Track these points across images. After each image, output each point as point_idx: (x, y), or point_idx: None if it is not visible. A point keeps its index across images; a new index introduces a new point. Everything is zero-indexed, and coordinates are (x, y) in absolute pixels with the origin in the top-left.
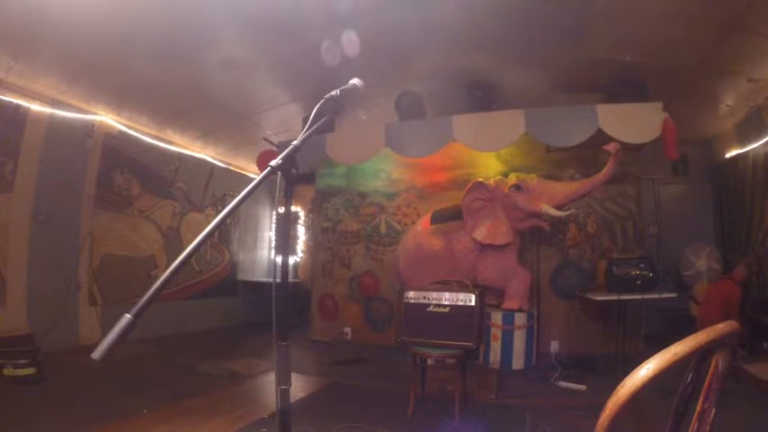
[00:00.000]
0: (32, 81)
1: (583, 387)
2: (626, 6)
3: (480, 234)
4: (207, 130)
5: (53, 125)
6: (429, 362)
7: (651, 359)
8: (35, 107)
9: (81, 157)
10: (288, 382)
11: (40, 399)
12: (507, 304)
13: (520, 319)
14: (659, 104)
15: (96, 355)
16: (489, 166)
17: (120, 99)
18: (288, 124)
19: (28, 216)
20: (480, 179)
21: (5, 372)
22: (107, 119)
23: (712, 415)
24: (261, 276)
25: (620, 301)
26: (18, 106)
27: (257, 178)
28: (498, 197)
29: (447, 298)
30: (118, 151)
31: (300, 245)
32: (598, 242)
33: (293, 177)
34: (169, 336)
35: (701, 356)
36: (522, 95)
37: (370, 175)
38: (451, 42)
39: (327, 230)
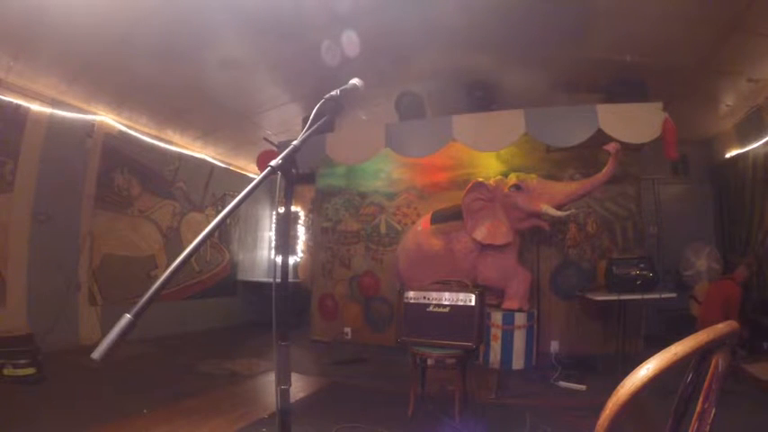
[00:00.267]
0: (32, 81)
1: (583, 387)
2: (626, 6)
3: (480, 234)
4: (207, 130)
5: (53, 125)
6: (429, 362)
7: (651, 359)
8: (35, 107)
9: (81, 157)
10: (288, 382)
11: (40, 399)
12: (507, 304)
13: (520, 319)
14: (659, 104)
15: (96, 355)
16: (489, 166)
17: (120, 99)
18: (288, 124)
19: (28, 216)
20: (480, 179)
21: (5, 372)
22: (107, 119)
23: (712, 415)
24: (261, 276)
25: (620, 301)
26: (18, 106)
27: (257, 178)
28: (498, 197)
29: (447, 298)
30: (118, 151)
31: (300, 245)
32: (598, 242)
33: (293, 177)
34: (169, 336)
35: (700, 356)
36: (522, 95)
37: (370, 175)
38: (451, 42)
39: (327, 230)
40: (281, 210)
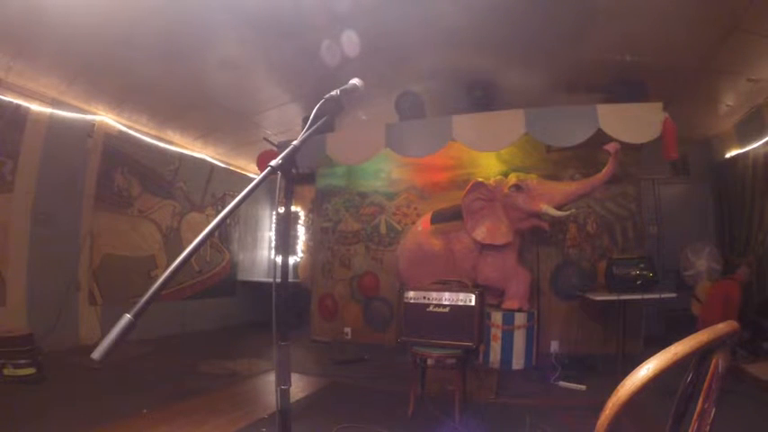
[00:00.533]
0: (32, 81)
1: (583, 387)
2: (626, 6)
3: (480, 234)
4: (207, 130)
5: (53, 125)
6: (429, 362)
7: (651, 359)
8: (35, 107)
9: (81, 157)
10: (288, 382)
11: (40, 399)
12: (507, 304)
13: (520, 319)
14: (659, 104)
15: (96, 355)
16: (489, 166)
17: (120, 99)
18: (288, 124)
19: (28, 216)
20: (480, 179)
21: (5, 372)
22: (107, 119)
23: (712, 415)
24: (261, 276)
25: (620, 301)
26: (18, 106)
27: (257, 178)
28: (498, 197)
29: (447, 298)
30: (118, 151)
31: (300, 245)
32: (598, 242)
33: (293, 177)
34: (169, 336)
35: (700, 356)
36: (522, 95)
37: (370, 175)
38: (451, 42)
39: (327, 230)
40: (281, 210)
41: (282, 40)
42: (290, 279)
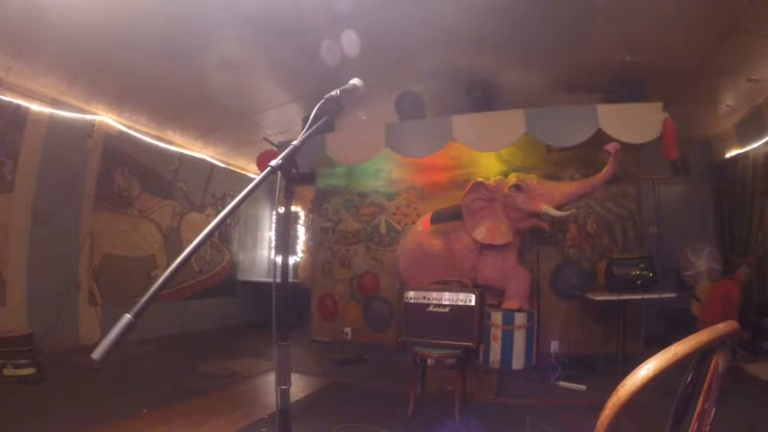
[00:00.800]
0: (32, 81)
1: (583, 387)
2: (626, 6)
3: (480, 234)
4: (207, 130)
5: (53, 125)
6: (429, 362)
7: (651, 359)
8: (35, 107)
9: (81, 157)
10: (288, 382)
11: (40, 399)
12: (507, 304)
13: (520, 319)
14: (659, 104)
15: (96, 355)
16: (489, 166)
17: (120, 99)
18: (288, 124)
19: (28, 216)
20: (480, 179)
21: (5, 372)
22: (107, 119)
23: (712, 415)
24: (261, 276)
25: (620, 301)
26: (18, 106)
27: (257, 178)
28: (498, 197)
29: (447, 298)
30: (118, 151)
31: (300, 245)
32: (598, 242)
33: (293, 177)
34: (169, 336)
35: (700, 356)
36: (522, 95)
37: (370, 175)
38: (451, 42)
39: (327, 230)
40: (281, 210)
41: (282, 40)
42: (290, 279)
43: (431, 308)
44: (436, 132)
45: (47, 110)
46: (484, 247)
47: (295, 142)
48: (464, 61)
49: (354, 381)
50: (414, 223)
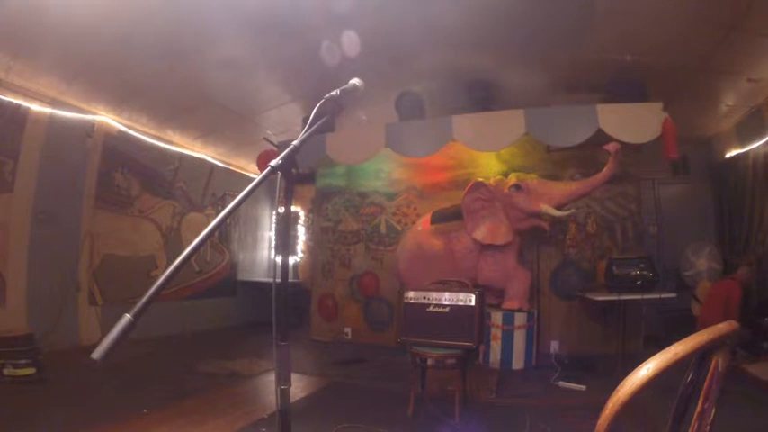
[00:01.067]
0: (32, 81)
1: (583, 387)
2: (626, 6)
3: (480, 234)
4: (207, 130)
5: (53, 125)
6: (429, 362)
7: (651, 359)
8: (35, 107)
9: (81, 157)
10: (288, 382)
11: (40, 399)
12: (507, 304)
13: (520, 319)
14: (659, 104)
15: (96, 355)
16: (489, 166)
17: (120, 99)
18: (288, 124)
19: (28, 216)
20: (480, 179)
21: (5, 372)
22: (107, 119)
23: (712, 415)
24: (261, 276)
25: (620, 301)
26: (18, 106)
27: (257, 178)
28: (498, 197)
29: (447, 298)
30: (118, 151)
31: (300, 245)
32: (598, 242)
33: (293, 177)
34: (169, 336)
35: (700, 356)
36: (522, 95)
37: (370, 175)
38: (451, 42)
39: (327, 230)
40: (281, 210)
41: (282, 40)
42: (290, 279)
43: (431, 308)
44: (436, 132)
45: (47, 110)
46: (484, 248)
47: (295, 142)
48: (464, 61)
49: (354, 381)
50: (414, 223)
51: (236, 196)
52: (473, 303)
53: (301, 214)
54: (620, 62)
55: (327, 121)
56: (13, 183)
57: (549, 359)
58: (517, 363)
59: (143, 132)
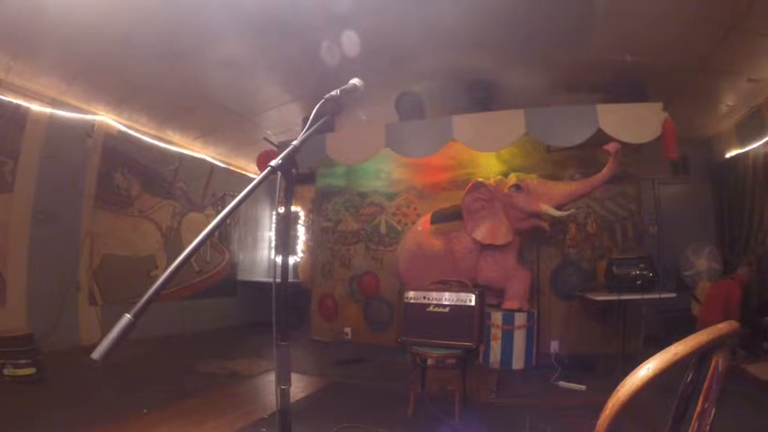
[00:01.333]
0: (32, 81)
1: (583, 387)
2: (626, 6)
3: (480, 234)
4: (207, 130)
5: (53, 125)
6: (429, 362)
7: (651, 359)
8: (35, 107)
9: (81, 157)
10: (288, 382)
11: (40, 399)
12: (507, 304)
13: (520, 318)
14: (659, 104)
15: (96, 355)
16: (489, 166)
17: (120, 99)
18: (288, 124)
19: (28, 216)
20: (480, 179)
21: (5, 372)
22: (107, 119)
23: (712, 415)
24: (261, 276)
25: (620, 301)
26: (18, 106)
27: (257, 178)
28: (498, 197)
29: (447, 298)
30: (118, 151)
31: (300, 245)
32: (598, 242)
33: (293, 177)
34: (169, 336)
35: (700, 356)
36: (522, 95)
37: (370, 175)
38: (451, 42)
39: (327, 230)
40: (281, 210)
41: (282, 40)
42: (290, 279)
43: (431, 308)
44: (436, 132)
45: (47, 110)
46: (484, 248)
47: (295, 142)
48: (464, 61)
49: (354, 381)
50: (414, 223)
51: (236, 196)
52: (473, 303)
53: (301, 214)
54: (620, 62)
55: (327, 121)
56: (13, 183)
57: (549, 359)
58: (517, 363)
59: (143, 132)
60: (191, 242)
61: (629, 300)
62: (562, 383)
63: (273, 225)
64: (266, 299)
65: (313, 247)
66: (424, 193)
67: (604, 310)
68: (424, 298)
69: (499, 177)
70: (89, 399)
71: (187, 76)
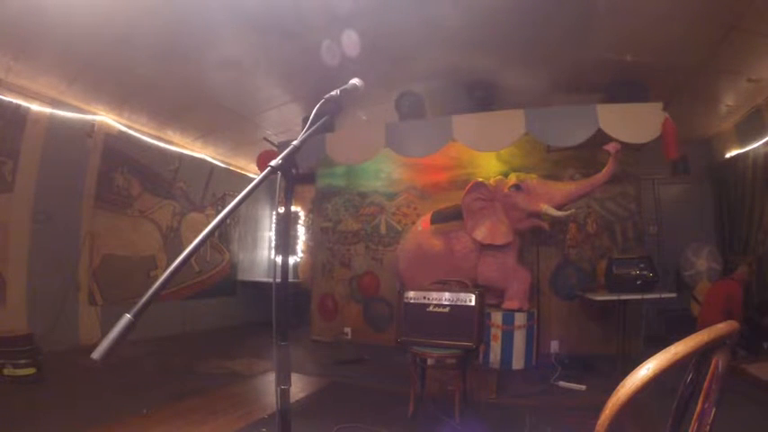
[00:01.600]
0: (32, 81)
1: (583, 387)
2: (626, 6)
3: (480, 234)
4: (207, 130)
5: (53, 125)
6: (429, 362)
7: (651, 359)
8: (35, 107)
9: (81, 157)
10: (288, 382)
11: (40, 399)
12: (507, 304)
13: (520, 319)
14: (659, 104)
15: (96, 355)
16: (489, 166)
17: (120, 99)
18: (288, 124)
19: (28, 216)
20: (480, 179)
21: (5, 372)
22: (107, 119)
23: (712, 415)
24: (261, 276)
25: (620, 301)
26: (18, 106)
27: (257, 178)
28: (498, 197)
29: (447, 298)
30: (118, 151)
31: (300, 245)
32: (598, 242)
33: (293, 177)
34: (169, 336)
35: (700, 356)
36: (522, 95)
37: (370, 175)
38: (451, 42)
39: (327, 230)
40: (281, 210)
41: (282, 40)
42: (290, 279)
43: (431, 308)
44: (436, 132)
45: (47, 110)
46: (484, 248)
47: (295, 142)
48: (464, 61)
49: (354, 381)
50: (414, 223)
51: (236, 196)
52: (473, 303)
53: (301, 214)
54: (620, 62)
55: (327, 121)
56: (13, 183)
57: (548, 359)
58: (517, 363)
59: (143, 132)
60: (191, 242)
61: (629, 300)
62: (562, 383)
63: (273, 225)
64: (266, 299)
65: (313, 248)
66: (424, 193)
67: (604, 311)
68: (424, 298)
69: (499, 177)
70: (89, 399)
71: (187, 76)
